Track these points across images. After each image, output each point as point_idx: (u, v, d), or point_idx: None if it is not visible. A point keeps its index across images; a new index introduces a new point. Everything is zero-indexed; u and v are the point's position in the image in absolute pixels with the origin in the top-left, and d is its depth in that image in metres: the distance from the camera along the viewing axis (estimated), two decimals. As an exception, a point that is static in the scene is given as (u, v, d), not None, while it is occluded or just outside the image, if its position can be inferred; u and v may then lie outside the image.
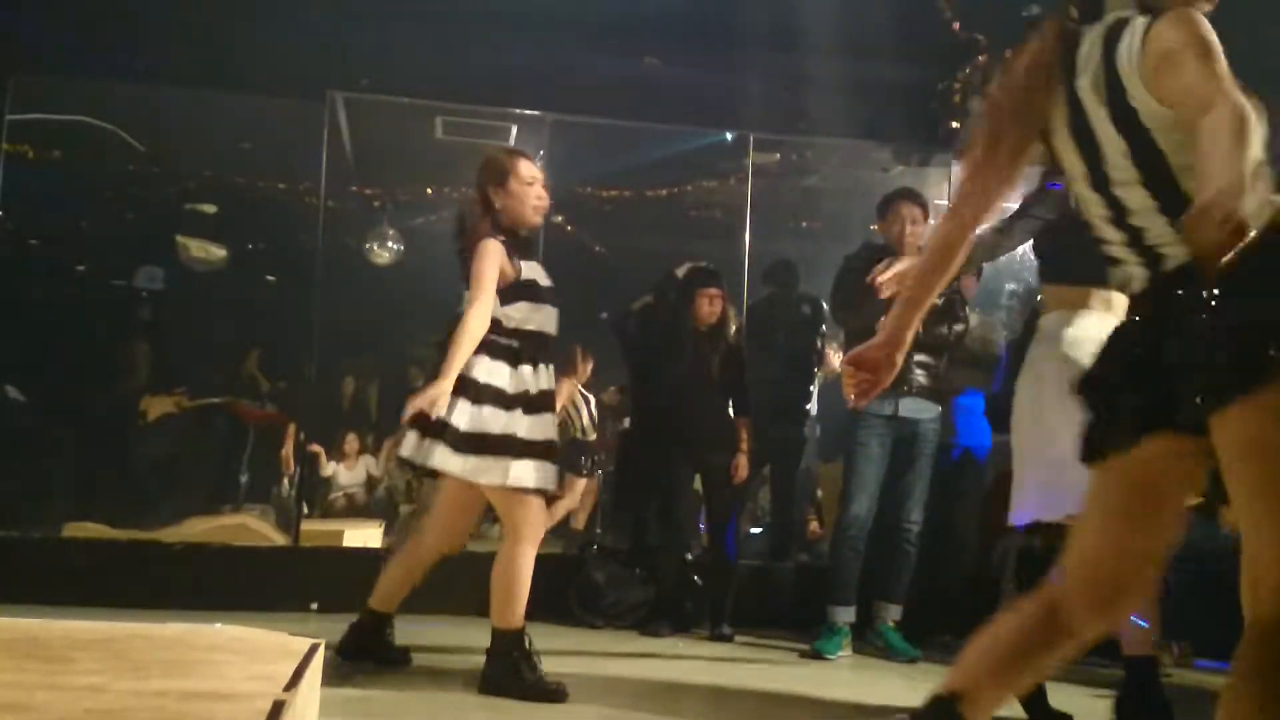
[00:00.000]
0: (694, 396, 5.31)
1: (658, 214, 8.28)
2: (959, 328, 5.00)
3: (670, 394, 5.36)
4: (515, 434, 3.62)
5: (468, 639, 4.70)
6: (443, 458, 3.58)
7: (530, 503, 3.69)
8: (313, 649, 2.50)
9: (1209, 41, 1.83)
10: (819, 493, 7.06)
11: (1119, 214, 1.96)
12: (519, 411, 3.65)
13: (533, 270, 3.81)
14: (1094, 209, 2.03)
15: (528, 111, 6.70)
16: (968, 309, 5.13)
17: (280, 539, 6.03)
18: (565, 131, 6.93)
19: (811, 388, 6.55)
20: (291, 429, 7.74)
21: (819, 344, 6.47)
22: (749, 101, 6.35)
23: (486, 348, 3.64)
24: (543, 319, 3.77)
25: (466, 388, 3.60)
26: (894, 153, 6.89)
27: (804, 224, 8.48)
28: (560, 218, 8.40)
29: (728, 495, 5.39)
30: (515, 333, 3.71)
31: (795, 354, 6.31)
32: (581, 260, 8.79)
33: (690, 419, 5.31)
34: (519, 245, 3.80)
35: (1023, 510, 3.51)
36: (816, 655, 4.78)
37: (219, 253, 8.47)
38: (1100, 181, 1.99)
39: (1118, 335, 2.01)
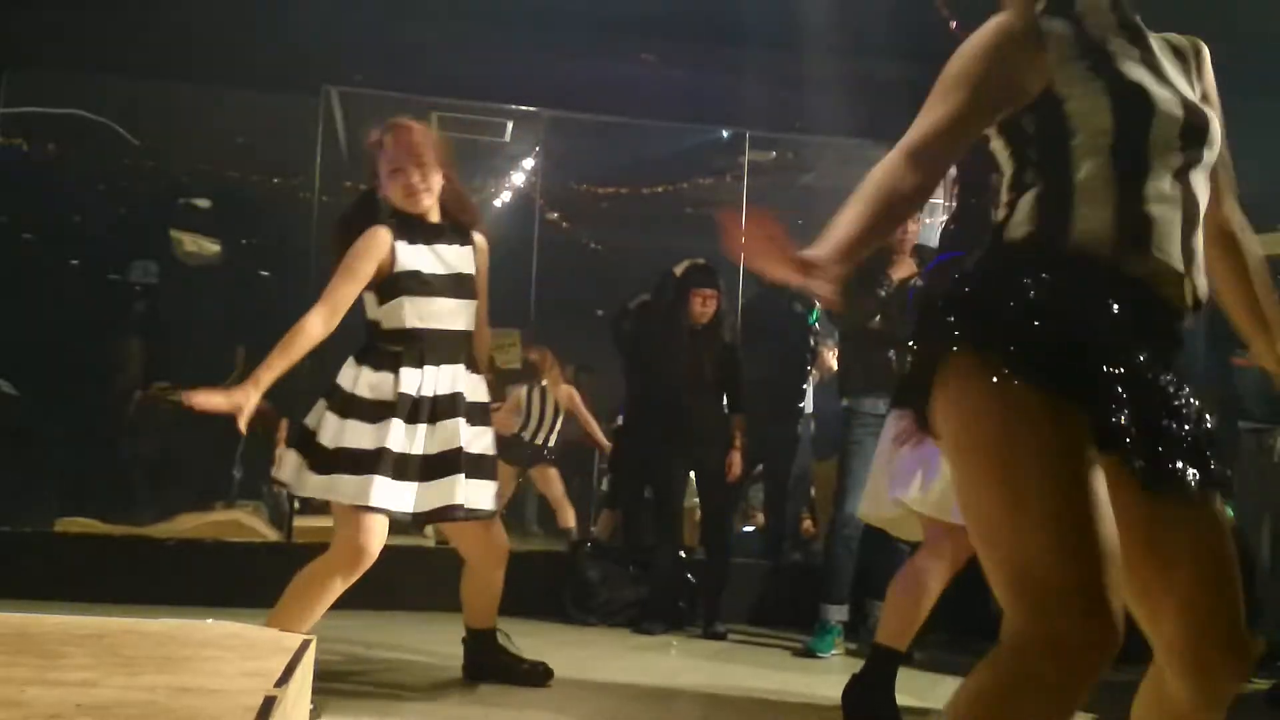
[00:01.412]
0: (689, 394, 5.31)
1: (654, 211, 8.27)
2: None
3: (665, 392, 5.35)
4: (385, 447, 3.25)
5: (457, 632, 4.70)
6: (304, 481, 3.31)
7: (360, 522, 3.28)
8: (304, 645, 2.49)
9: None
10: (813, 491, 7.05)
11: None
12: (395, 421, 3.29)
13: (418, 259, 3.41)
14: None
15: (524, 108, 6.69)
16: None
17: (273, 535, 6.02)
18: (561, 128, 6.92)
19: (805, 386, 6.55)
20: (284, 424, 7.71)
21: (812, 343, 6.47)
22: (745, 99, 6.35)
23: (365, 356, 3.37)
24: (431, 313, 3.40)
25: (332, 397, 3.34)
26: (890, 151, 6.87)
27: (800, 222, 8.44)
28: (556, 215, 8.40)
29: (722, 493, 5.39)
30: (394, 334, 3.38)
31: (789, 352, 6.31)
32: (577, 258, 8.78)
33: (685, 417, 5.30)
34: (410, 230, 3.42)
35: None
36: (810, 654, 4.78)
37: (212, 247, 8.44)
38: None
39: None
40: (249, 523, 6.05)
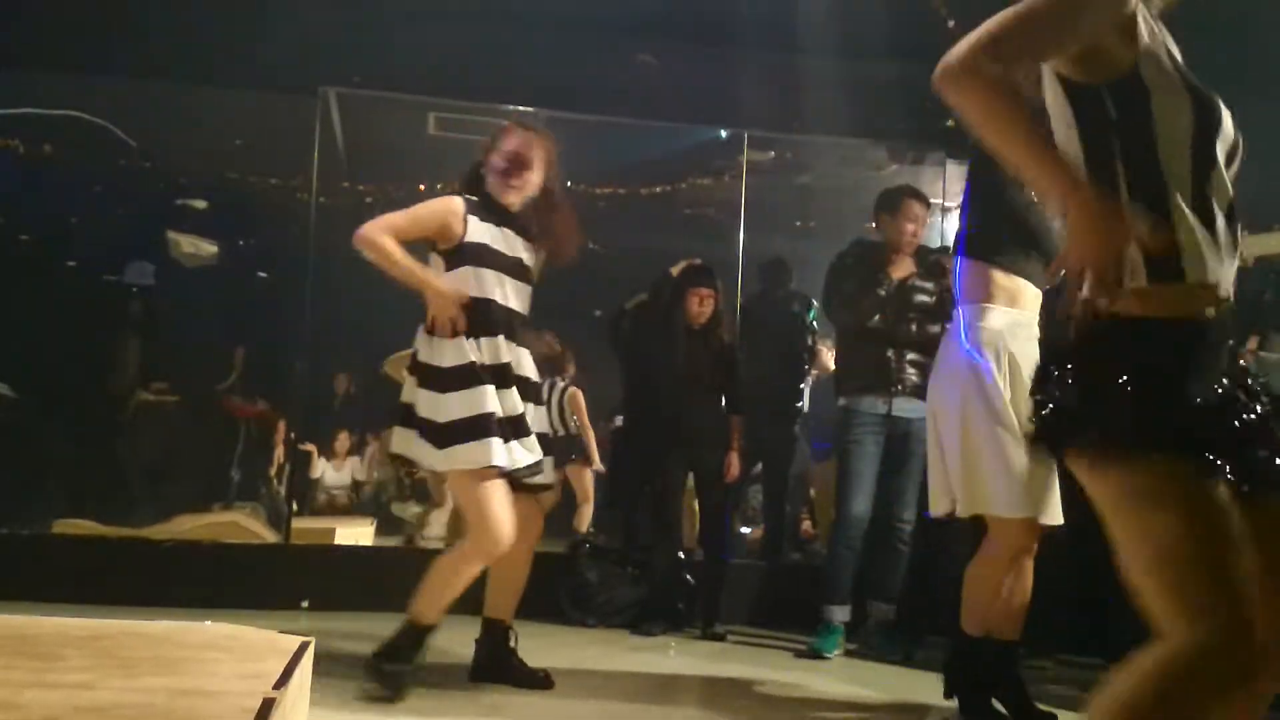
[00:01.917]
0: (686, 395, 5.30)
1: (652, 211, 8.26)
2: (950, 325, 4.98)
3: (663, 392, 5.35)
4: (487, 411, 3.43)
5: (460, 636, 4.70)
6: (426, 454, 3.48)
7: (484, 493, 3.43)
8: (302, 647, 2.49)
9: None
10: (812, 492, 7.05)
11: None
12: (482, 387, 3.45)
13: (488, 234, 3.64)
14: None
15: (522, 108, 6.67)
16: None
17: (271, 537, 6.01)
18: (559, 128, 6.86)
19: (803, 386, 6.54)
20: (281, 426, 7.71)
21: (810, 342, 6.47)
22: (744, 99, 6.34)
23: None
24: (494, 286, 3.60)
25: (422, 373, 3.51)
26: (888, 151, 6.88)
27: (798, 222, 8.47)
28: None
29: (720, 493, 5.38)
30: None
31: (787, 352, 6.31)
32: (576, 257, 8.76)
33: (683, 417, 5.29)
34: (487, 210, 3.68)
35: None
36: (816, 655, 4.75)
37: (209, 248, 8.44)
38: None
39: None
40: (247, 524, 6.03)
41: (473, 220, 3.62)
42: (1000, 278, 3.50)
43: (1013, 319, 3.46)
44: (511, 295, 3.64)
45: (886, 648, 4.85)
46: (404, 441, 3.54)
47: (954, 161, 6.50)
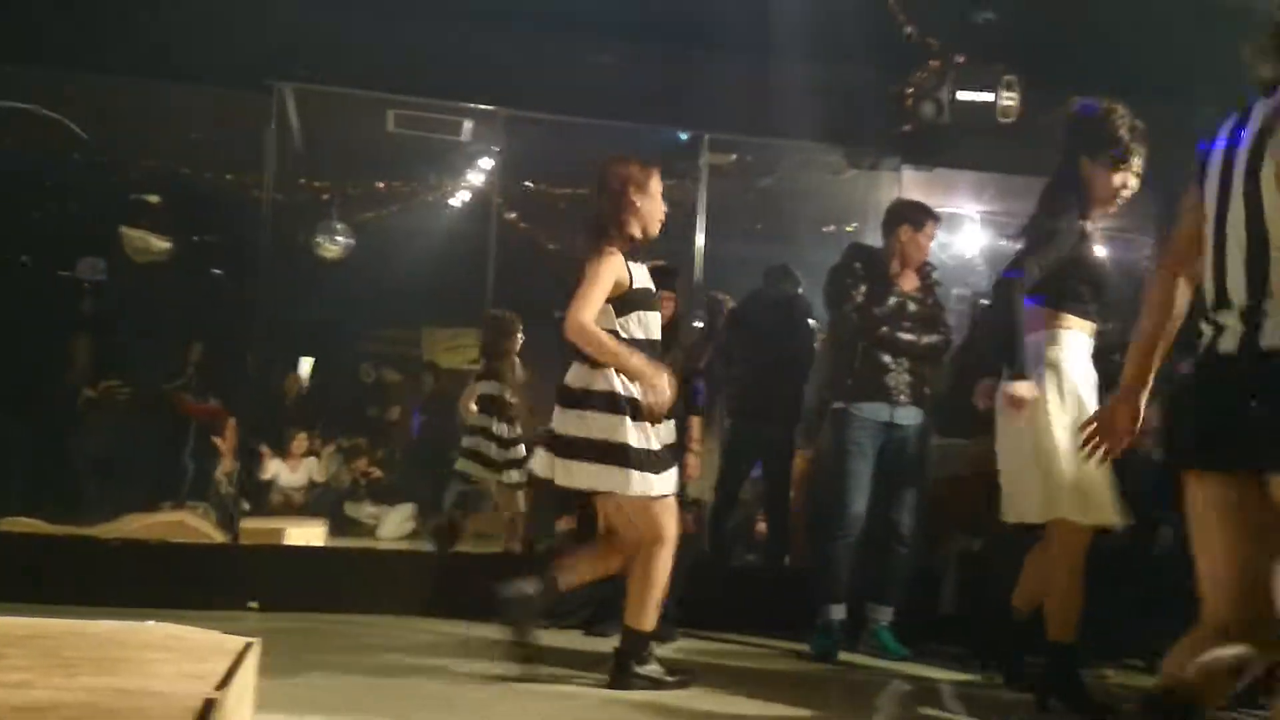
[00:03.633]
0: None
1: (610, 212, 8.25)
2: (944, 338, 5.12)
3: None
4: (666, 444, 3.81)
5: (411, 637, 4.67)
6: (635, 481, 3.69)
7: (660, 506, 3.79)
8: (247, 647, 2.46)
9: None
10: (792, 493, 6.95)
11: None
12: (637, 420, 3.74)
13: (642, 277, 3.91)
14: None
15: (482, 106, 6.65)
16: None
17: (220, 536, 5.94)
18: (519, 127, 6.88)
19: (803, 387, 6.49)
20: (232, 424, 7.63)
21: (812, 344, 6.39)
22: (704, 101, 6.35)
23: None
24: (650, 323, 3.90)
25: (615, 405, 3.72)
26: (846, 156, 6.91)
27: (759, 225, 8.50)
28: (514, 215, 8.35)
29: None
30: (629, 343, 3.79)
31: (783, 354, 6.22)
32: (536, 258, 8.74)
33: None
34: (634, 253, 3.91)
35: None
36: (822, 657, 4.81)
37: (162, 244, 8.35)
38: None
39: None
40: (195, 524, 5.96)
41: (631, 266, 3.86)
42: (1068, 318, 3.91)
43: (1078, 346, 3.90)
44: (656, 326, 3.94)
45: (888, 650, 4.91)
46: (591, 474, 3.74)
47: (910, 168, 6.56)
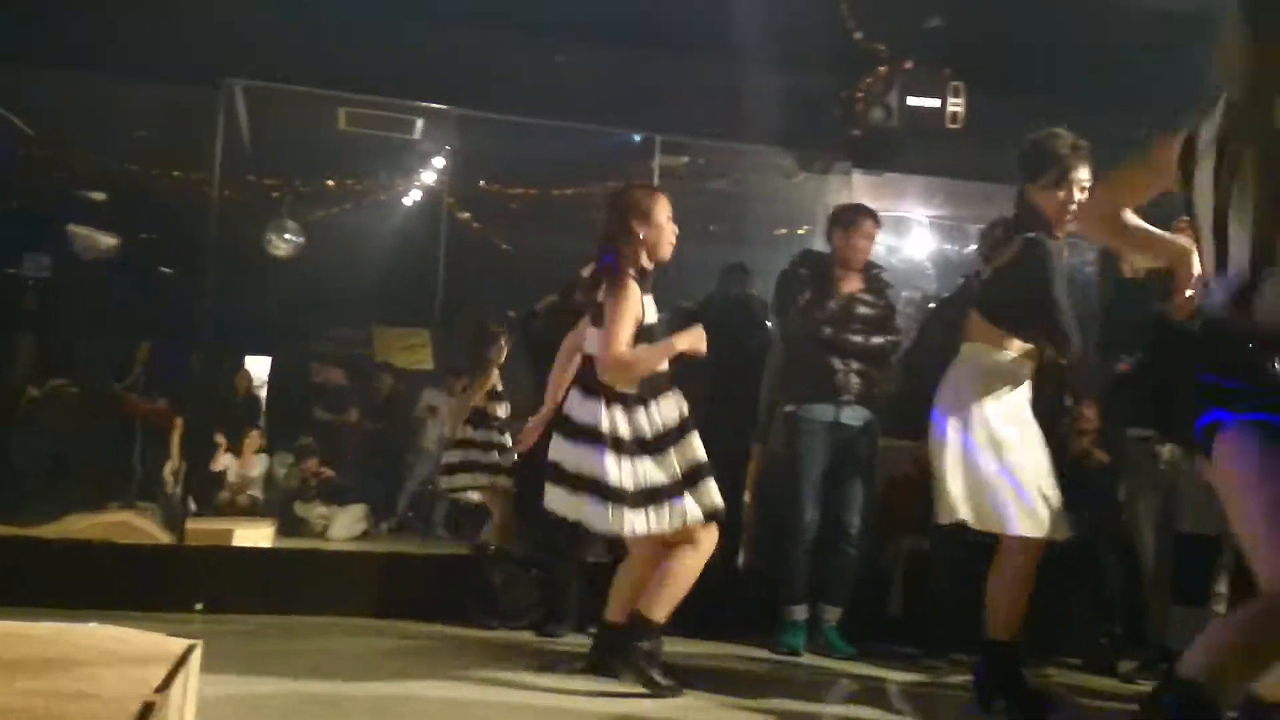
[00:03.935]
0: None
1: (564, 213, 8.25)
2: (893, 339, 5.17)
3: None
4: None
5: (359, 639, 4.64)
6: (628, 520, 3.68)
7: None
8: (189, 650, 2.44)
9: None
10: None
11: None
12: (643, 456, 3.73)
13: (651, 310, 3.90)
14: None
15: (434, 105, 6.62)
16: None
17: (165, 537, 5.87)
18: (472, 127, 6.86)
19: (759, 387, 6.49)
20: (179, 424, 7.54)
21: (767, 344, 6.41)
22: (657, 103, 6.36)
23: (619, 397, 3.74)
24: None
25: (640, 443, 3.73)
26: (797, 160, 6.95)
27: (711, 227, 8.52)
28: (466, 214, 8.34)
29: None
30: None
31: (742, 355, 6.20)
32: (488, 258, 8.72)
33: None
34: (645, 283, 3.89)
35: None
36: (792, 652, 4.91)
37: (108, 241, 8.24)
38: None
39: None
40: (140, 524, 5.89)
41: (647, 300, 3.88)
42: (1016, 341, 3.89)
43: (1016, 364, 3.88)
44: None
45: (836, 648, 4.97)
46: (573, 504, 3.74)
47: (860, 172, 6.60)
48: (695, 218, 8.26)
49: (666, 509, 3.70)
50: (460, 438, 6.36)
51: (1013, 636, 3.85)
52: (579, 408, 3.76)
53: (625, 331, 3.71)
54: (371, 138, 7.00)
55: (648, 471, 3.69)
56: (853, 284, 5.13)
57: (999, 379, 3.84)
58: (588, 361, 3.84)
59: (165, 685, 2.07)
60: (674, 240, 3.93)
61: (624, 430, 3.71)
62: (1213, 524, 4.01)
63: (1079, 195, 3.78)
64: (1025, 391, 3.89)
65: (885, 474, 5.37)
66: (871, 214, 5.26)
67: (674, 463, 3.76)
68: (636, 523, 3.66)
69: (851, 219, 5.17)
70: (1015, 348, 3.86)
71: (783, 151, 6.95)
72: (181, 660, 2.33)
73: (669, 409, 3.80)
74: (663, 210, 3.90)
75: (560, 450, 3.75)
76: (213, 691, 2.91)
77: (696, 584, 5.49)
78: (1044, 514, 3.76)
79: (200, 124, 6.24)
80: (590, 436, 3.70)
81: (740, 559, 6.09)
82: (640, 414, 3.73)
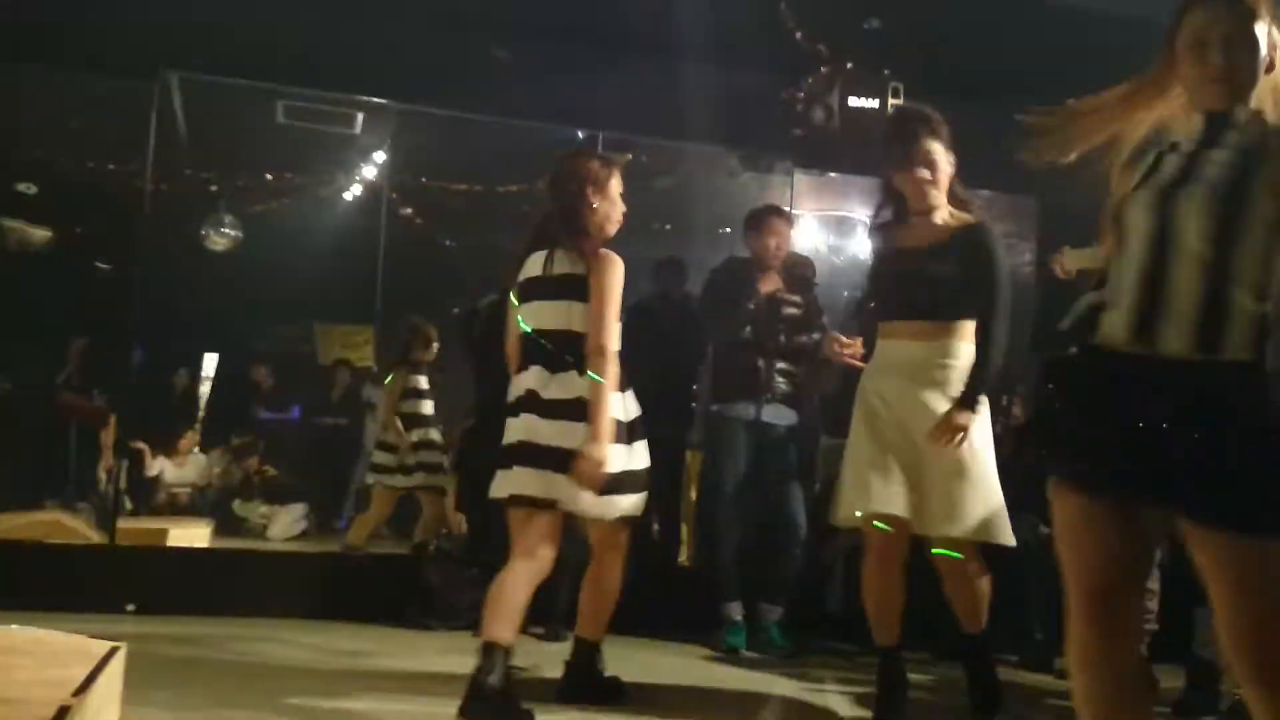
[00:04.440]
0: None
1: (507, 210, 8.20)
2: (817, 336, 5.16)
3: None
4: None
5: (293, 641, 4.59)
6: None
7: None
8: (112, 652, 2.39)
9: None
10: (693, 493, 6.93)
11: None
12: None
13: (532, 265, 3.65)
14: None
15: (374, 100, 6.56)
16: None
17: (97, 537, 5.77)
18: (413, 122, 6.80)
19: (695, 387, 6.48)
20: (113, 422, 7.40)
21: (703, 342, 6.40)
22: (600, 101, 6.35)
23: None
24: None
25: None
26: (740, 159, 6.98)
27: (655, 225, 8.52)
28: (409, 210, 8.26)
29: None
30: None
31: (678, 355, 6.19)
32: (430, 255, 8.65)
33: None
34: None
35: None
36: (732, 650, 4.93)
37: (41, 234, 8.07)
38: None
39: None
40: (71, 524, 5.78)
41: None
42: (882, 326, 3.75)
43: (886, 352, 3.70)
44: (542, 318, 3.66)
45: (778, 645, 5.00)
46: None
47: (802, 172, 6.64)
48: (638, 215, 8.24)
49: (638, 498, 3.62)
50: (386, 438, 6.34)
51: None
52: (559, 385, 3.50)
53: (616, 316, 3.52)
54: (310, 132, 6.90)
55: (622, 456, 3.55)
56: (772, 284, 5.18)
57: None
58: (566, 337, 3.55)
59: (84, 688, 2.03)
60: (621, 220, 3.72)
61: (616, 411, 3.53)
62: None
63: (924, 173, 3.62)
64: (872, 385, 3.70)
65: (825, 472, 5.40)
66: (780, 212, 5.34)
67: (642, 455, 3.65)
68: (623, 504, 3.56)
69: (760, 219, 5.23)
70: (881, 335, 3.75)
71: (726, 150, 6.98)
72: (103, 663, 2.29)
73: (633, 403, 3.66)
74: (617, 184, 3.69)
75: (534, 430, 3.47)
76: (136, 693, 2.86)
77: (640, 585, 5.52)
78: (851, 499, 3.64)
79: (135, 116, 6.13)
80: (576, 414, 3.46)
81: (682, 558, 6.14)
82: (617, 398, 3.55)
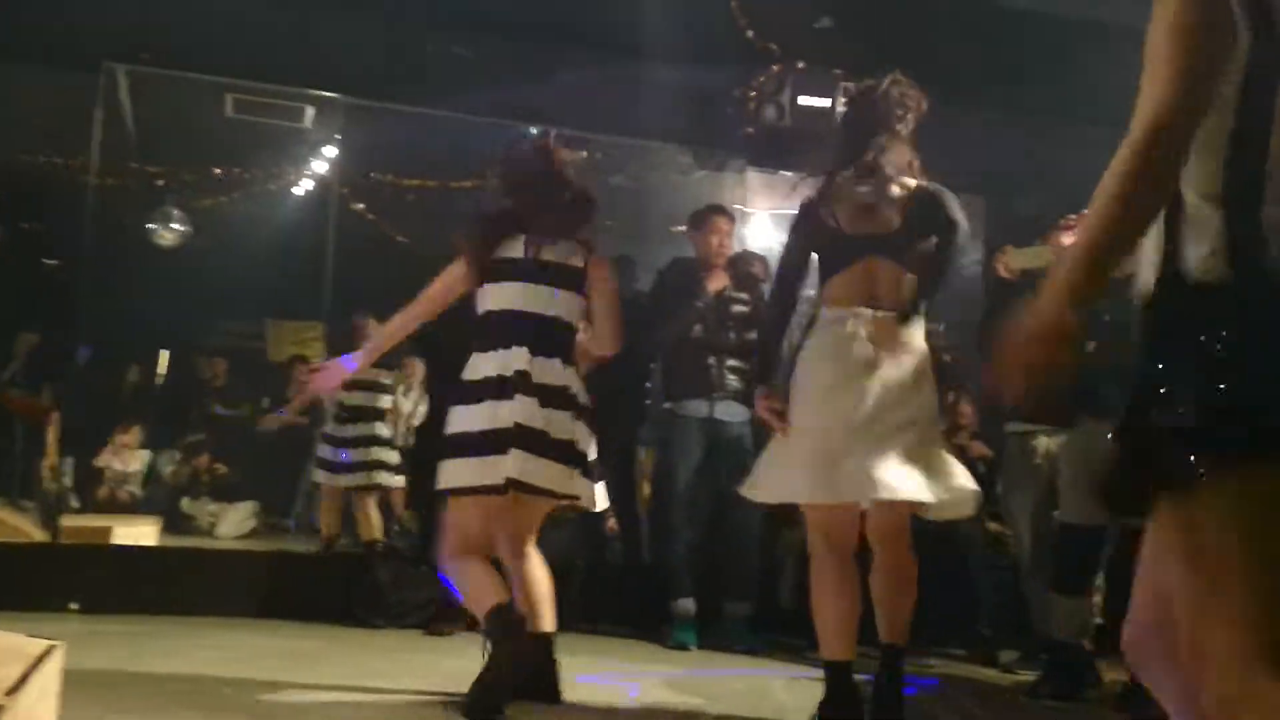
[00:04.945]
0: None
1: (460, 206, 8.18)
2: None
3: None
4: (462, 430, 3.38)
5: (238, 641, 4.54)
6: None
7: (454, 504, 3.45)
8: (49, 651, 2.36)
9: None
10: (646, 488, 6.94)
11: None
12: (470, 405, 3.40)
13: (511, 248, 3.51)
14: None
15: (325, 93, 6.51)
16: None
17: (41, 535, 5.68)
18: (364, 116, 6.76)
19: (648, 384, 6.48)
20: (56, 418, 7.30)
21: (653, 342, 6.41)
22: (553, 97, 6.34)
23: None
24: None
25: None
26: (693, 156, 7.01)
27: (609, 222, 8.50)
28: (361, 205, 8.21)
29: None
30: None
31: (629, 354, 6.18)
32: (382, 251, 8.60)
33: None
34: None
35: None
36: (680, 647, 4.93)
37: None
38: None
39: None
40: (14, 521, 5.69)
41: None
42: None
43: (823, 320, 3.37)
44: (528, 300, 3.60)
45: (740, 640, 5.02)
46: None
47: (754, 169, 6.67)
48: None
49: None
50: (330, 433, 6.31)
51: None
52: (550, 371, 3.42)
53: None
54: (260, 125, 6.85)
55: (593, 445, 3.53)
56: (719, 282, 5.21)
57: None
58: (554, 323, 3.49)
59: (16, 688, 2.00)
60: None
61: (584, 400, 3.52)
62: (1096, 514, 4.09)
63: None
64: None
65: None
66: (722, 211, 5.39)
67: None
68: (600, 497, 3.54)
69: (702, 219, 5.31)
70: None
71: (680, 148, 7.00)
72: (38, 662, 2.26)
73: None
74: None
75: (534, 415, 3.34)
76: (76, 694, 2.81)
77: (598, 580, 5.54)
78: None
79: (80, 110, 6.06)
80: (569, 404, 3.42)
81: (645, 555, 6.16)
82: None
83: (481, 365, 3.44)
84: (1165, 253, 1.56)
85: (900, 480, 3.09)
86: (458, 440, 3.41)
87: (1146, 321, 1.59)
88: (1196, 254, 1.52)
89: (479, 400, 3.39)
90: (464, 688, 3.23)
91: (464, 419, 3.41)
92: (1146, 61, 1.53)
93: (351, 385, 6.29)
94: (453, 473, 3.41)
